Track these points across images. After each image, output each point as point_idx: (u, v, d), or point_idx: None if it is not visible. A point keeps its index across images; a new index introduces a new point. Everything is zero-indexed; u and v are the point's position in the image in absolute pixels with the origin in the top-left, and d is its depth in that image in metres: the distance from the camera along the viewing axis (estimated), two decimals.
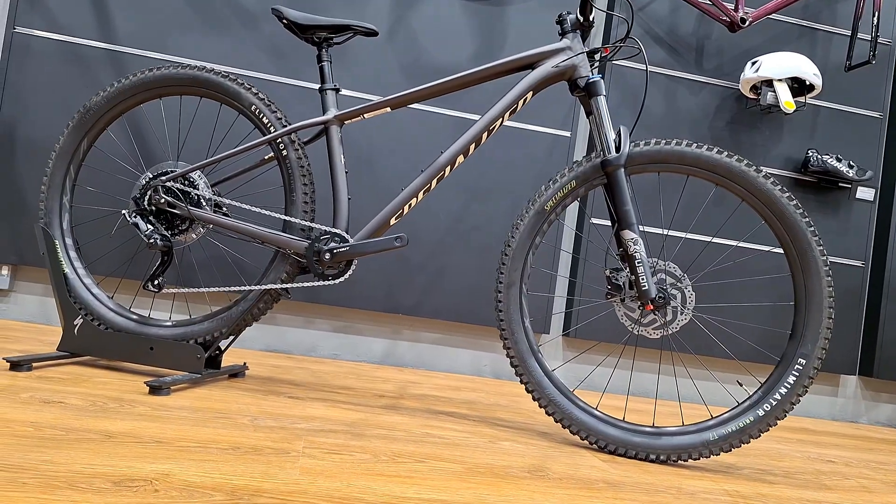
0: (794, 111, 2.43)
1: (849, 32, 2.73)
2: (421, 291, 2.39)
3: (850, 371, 2.74)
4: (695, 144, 1.42)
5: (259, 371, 1.85)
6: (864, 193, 2.75)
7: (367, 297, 2.35)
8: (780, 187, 1.38)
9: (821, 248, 1.36)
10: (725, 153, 1.40)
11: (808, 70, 2.45)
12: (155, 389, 1.34)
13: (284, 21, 1.58)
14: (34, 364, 1.44)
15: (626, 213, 1.39)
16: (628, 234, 1.39)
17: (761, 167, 1.49)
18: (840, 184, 2.71)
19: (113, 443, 0.96)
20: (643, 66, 2.60)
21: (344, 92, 2.34)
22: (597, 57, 1.52)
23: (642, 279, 1.38)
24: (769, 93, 2.48)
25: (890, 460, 1.88)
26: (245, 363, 1.79)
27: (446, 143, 2.40)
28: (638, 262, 1.38)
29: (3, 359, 1.40)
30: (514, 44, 2.47)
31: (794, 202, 1.37)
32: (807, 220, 1.36)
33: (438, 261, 2.41)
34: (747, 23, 2.46)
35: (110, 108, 1.63)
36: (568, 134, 2.50)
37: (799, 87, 2.52)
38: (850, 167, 2.65)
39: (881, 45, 2.78)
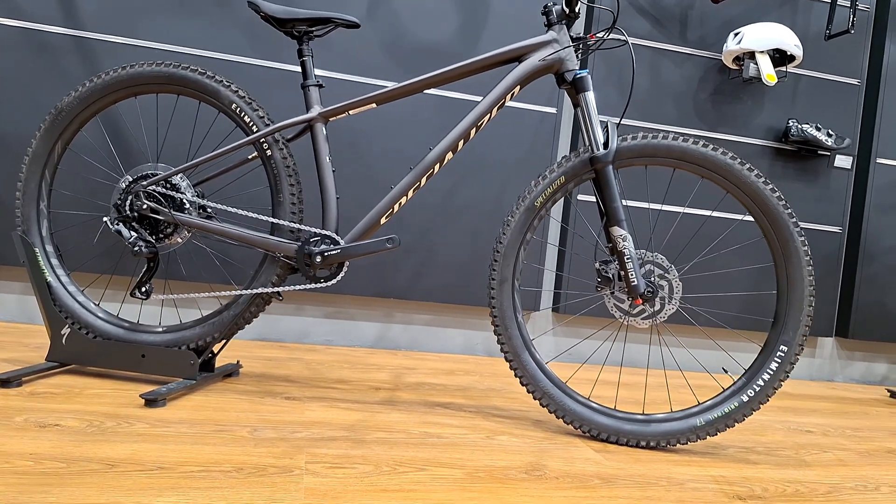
0: (776, 83, 2.44)
1: None
2: (412, 274, 2.40)
3: (827, 333, 2.83)
4: (681, 138, 1.42)
5: (253, 367, 1.86)
6: (842, 161, 2.79)
7: (357, 282, 2.34)
8: (763, 180, 1.39)
9: (802, 238, 1.38)
10: (711, 147, 1.41)
11: (789, 41, 2.45)
12: (151, 402, 1.34)
13: (262, 14, 1.52)
14: (24, 378, 1.43)
15: (615, 210, 1.40)
16: (617, 231, 1.40)
17: (746, 161, 1.49)
18: (819, 152, 2.75)
19: (116, 473, 0.97)
20: (629, 39, 2.57)
21: (324, 73, 2.28)
22: (584, 45, 1.50)
23: (631, 275, 1.39)
24: (751, 65, 2.47)
25: (862, 425, 1.97)
26: (238, 361, 1.79)
27: (430, 119, 2.37)
28: (627, 259, 1.39)
29: None
30: (496, 19, 2.42)
31: (777, 194, 1.39)
32: (789, 211, 1.39)
33: (428, 242, 2.41)
34: None
35: (83, 108, 1.57)
36: (554, 111, 2.48)
37: (780, 56, 2.52)
38: (829, 136, 2.68)
39: (860, 10, 2.77)
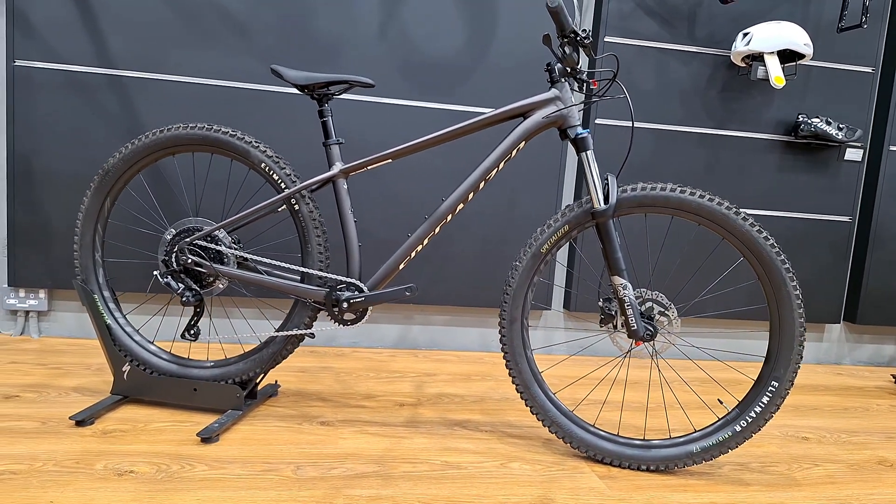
0: (783, 86, 2.47)
1: None
2: (428, 281, 2.55)
3: (835, 320, 2.93)
4: (679, 189, 1.52)
5: (289, 382, 2.05)
6: (853, 154, 2.82)
7: None
8: (757, 228, 1.49)
9: (794, 283, 1.49)
10: (707, 197, 1.51)
11: (798, 41, 2.46)
12: (206, 440, 1.54)
13: (283, 79, 1.63)
14: (95, 417, 1.63)
15: (616, 261, 1.52)
16: (618, 280, 1.52)
17: (741, 209, 1.59)
18: (830, 143, 2.78)
19: None
20: (635, 42, 2.61)
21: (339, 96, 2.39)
22: (587, 97, 1.59)
23: (631, 320, 1.52)
24: (759, 68, 2.50)
25: (859, 426, 2.09)
26: (277, 381, 1.98)
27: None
28: (627, 305, 1.52)
29: (69, 418, 1.59)
30: (505, 32, 2.47)
31: (771, 241, 1.49)
32: (781, 258, 1.49)
33: (442, 251, 2.54)
34: None
35: (127, 168, 1.72)
36: None
37: (790, 53, 2.53)
38: (839, 129, 2.71)
39: None
